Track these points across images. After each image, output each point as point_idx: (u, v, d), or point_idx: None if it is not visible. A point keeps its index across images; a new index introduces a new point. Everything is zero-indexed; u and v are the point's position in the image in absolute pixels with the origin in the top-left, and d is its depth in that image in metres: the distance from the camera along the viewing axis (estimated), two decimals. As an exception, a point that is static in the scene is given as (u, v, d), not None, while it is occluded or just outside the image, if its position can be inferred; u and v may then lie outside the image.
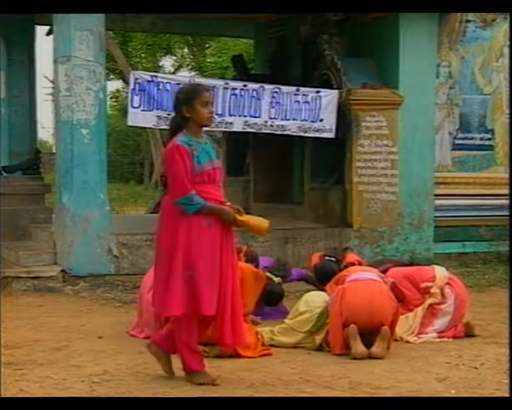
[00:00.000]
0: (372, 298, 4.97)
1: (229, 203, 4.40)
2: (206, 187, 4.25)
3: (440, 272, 5.64)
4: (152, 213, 11.81)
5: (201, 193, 4.22)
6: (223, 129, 9.02)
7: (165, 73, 20.75)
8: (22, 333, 5.52)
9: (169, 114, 7.86)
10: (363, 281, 5.21)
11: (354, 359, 4.88)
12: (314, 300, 5.38)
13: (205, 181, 4.25)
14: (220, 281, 4.24)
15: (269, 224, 4.45)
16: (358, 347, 4.89)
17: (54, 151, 14.16)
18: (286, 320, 5.41)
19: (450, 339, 5.43)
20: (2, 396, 3.99)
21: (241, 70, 11.22)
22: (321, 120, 8.56)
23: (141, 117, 7.79)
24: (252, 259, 6.15)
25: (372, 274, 5.35)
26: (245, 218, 4.38)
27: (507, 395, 3.86)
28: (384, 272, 5.67)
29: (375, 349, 4.91)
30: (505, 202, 8.56)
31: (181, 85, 4.65)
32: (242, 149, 11.12)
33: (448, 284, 5.55)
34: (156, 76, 8.06)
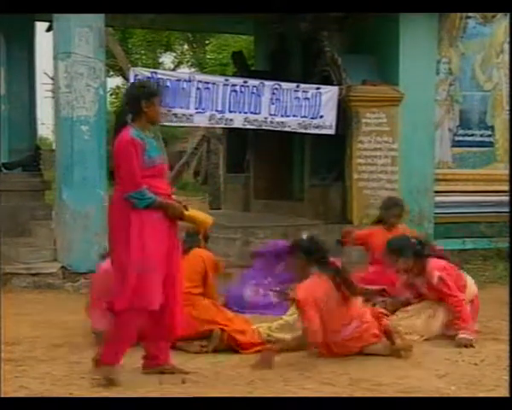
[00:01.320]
0: None
1: (175, 197, 4.43)
2: (155, 181, 4.25)
3: (471, 284, 5.64)
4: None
5: (151, 187, 4.22)
6: (223, 125, 9.03)
7: (165, 69, 20.72)
8: (22, 330, 5.52)
9: (169, 111, 7.88)
10: None
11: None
12: None
13: (155, 175, 4.26)
14: (169, 275, 4.27)
15: (212, 220, 4.57)
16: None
17: (54, 148, 14.16)
18: (284, 317, 5.41)
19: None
20: (3, 396, 3.99)
21: (242, 66, 11.22)
22: (321, 117, 8.55)
23: (141, 113, 7.78)
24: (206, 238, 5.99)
25: None
26: (191, 213, 4.43)
27: (507, 391, 3.86)
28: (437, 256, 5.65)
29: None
30: (505, 198, 8.55)
31: (136, 80, 4.73)
32: (242, 146, 11.12)
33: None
34: (156, 72, 8.06)
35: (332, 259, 4.89)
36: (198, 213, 4.58)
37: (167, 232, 4.28)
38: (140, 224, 4.17)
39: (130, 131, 4.24)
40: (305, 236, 4.92)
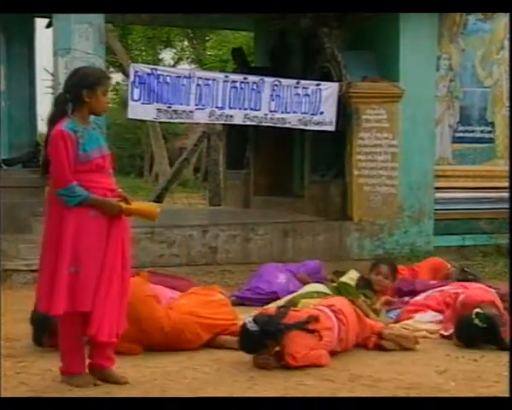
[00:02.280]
0: None
1: (120, 190, 4.16)
2: (93, 176, 4.00)
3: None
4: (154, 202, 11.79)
5: (89, 182, 3.97)
6: (223, 122, 9.03)
7: (165, 65, 20.71)
8: (22, 326, 5.50)
9: (169, 107, 7.88)
10: None
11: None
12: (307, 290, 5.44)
13: (92, 170, 4.00)
14: (104, 274, 4.00)
15: (158, 209, 4.28)
16: None
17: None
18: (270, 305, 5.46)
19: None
20: (3, 391, 3.99)
21: (242, 63, 11.21)
22: (321, 113, 8.55)
23: (141, 110, 7.79)
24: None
25: None
26: (133, 205, 4.17)
27: (506, 386, 3.87)
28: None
29: None
30: (505, 194, 8.55)
31: (83, 67, 4.40)
32: (242, 142, 11.12)
33: None
34: (156, 69, 8.06)
35: None
36: (142, 204, 4.37)
37: (106, 231, 4.02)
38: (74, 222, 3.95)
39: (64, 124, 3.95)
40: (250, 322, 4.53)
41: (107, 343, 4.09)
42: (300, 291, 5.88)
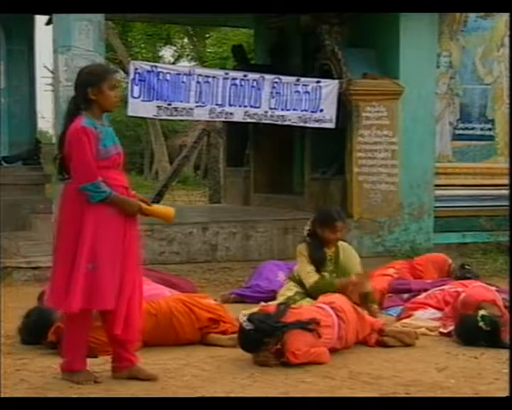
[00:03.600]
0: None
1: (133, 192, 4.20)
2: (111, 172, 4.04)
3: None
4: (152, 202, 11.79)
5: (107, 179, 4.00)
6: (223, 119, 9.03)
7: (165, 63, 20.70)
8: (23, 323, 5.52)
9: (169, 104, 7.87)
10: None
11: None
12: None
13: (110, 166, 4.03)
14: (122, 272, 4.03)
15: (174, 211, 4.33)
16: None
17: (54, 141, 14.15)
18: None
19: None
20: (3, 389, 4.00)
21: (242, 60, 11.20)
22: (321, 111, 8.55)
23: (141, 107, 7.78)
24: None
25: None
26: (151, 207, 4.24)
27: (506, 384, 3.87)
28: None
29: None
30: (505, 192, 8.55)
31: (87, 65, 4.39)
32: (242, 140, 11.11)
33: None
34: (156, 66, 8.05)
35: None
36: (159, 206, 4.44)
37: (123, 229, 4.05)
38: (93, 219, 3.96)
39: (83, 120, 3.98)
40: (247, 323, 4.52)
41: (133, 341, 4.16)
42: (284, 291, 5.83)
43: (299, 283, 5.73)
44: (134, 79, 7.70)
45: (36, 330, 4.85)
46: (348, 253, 5.88)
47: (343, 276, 5.69)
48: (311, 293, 5.58)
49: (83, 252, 3.94)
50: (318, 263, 5.70)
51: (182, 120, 21.63)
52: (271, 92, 8.31)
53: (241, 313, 5.33)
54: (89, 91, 4.03)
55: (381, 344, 4.98)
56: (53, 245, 4.16)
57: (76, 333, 4.10)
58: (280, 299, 5.61)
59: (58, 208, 4.14)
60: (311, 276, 5.65)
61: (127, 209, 4.06)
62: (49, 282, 4.23)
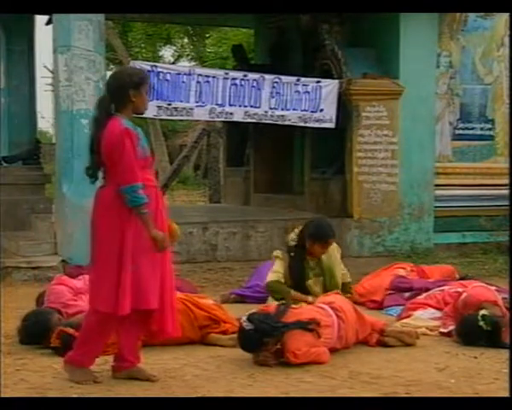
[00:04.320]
0: None
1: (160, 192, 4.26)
2: (146, 173, 4.09)
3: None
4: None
5: (143, 180, 4.04)
6: (223, 119, 9.03)
7: (165, 62, 20.69)
8: (23, 323, 5.52)
9: (169, 104, 7.87)
10: None
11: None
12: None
13: (145, 166, 4.09)
14: (164, 272, 4.09)
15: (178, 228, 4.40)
16: None
17: (54, 141, 14.15)
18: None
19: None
20: (3, 388, 4.00)
21: (242, 60, 11.20)
22: (321, 110, 8.55)
23: (141, 107, 7.77)
24: None
25: None
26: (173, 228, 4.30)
27: (506, 383, 3.87)
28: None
29: None
30: (505, 192, 8.55)
31: (124, 67, 4.36)
32: (242, 140, 11.11)
33: None
34: (156, 66, 8.05)
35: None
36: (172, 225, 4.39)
37: (160, 229, 4.07)
38: (132, 221, 3.98)
39: (122, 121, 4.00)
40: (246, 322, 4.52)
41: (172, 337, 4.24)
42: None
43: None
44: (134, 78, 7.69)
45: (34, 334, 4.85)
46: (330, 253, 5.85)
47: (330, 277, 5.77)
48: (270, 293, 5.75)
49: (127, 255, 3.97)
50: (298, 276, 5.72)
51: (182, 120, 21.61)
52: (271, 92, 8.31)
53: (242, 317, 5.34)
54: (130, 93, 4.06)
55: (381, 344, 4.98)
56: (92, 250, 4.13)
57: (103, 332, 4.12)
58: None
59: (93, 212, 4.11)
60: (271, 276, 5.76)
61: (152, 236, 3.98)
62: (92, 285, 4.19)
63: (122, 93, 4.06)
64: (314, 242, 5.69)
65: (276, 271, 5.77)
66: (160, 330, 4.19)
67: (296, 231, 5.87)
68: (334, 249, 5.94)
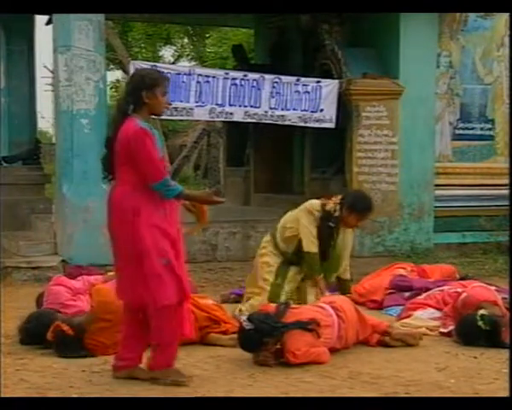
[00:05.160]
0: None
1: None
2: None
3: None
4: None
5: None
6: (223, 119, 9.02)
7: (165, 63, 20.68)
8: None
9: (169, 104, 7.86)
10: None
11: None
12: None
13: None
14: (185, 267, 4.18)
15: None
16: None
17: (54, 141, 14.15)
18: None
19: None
20: (3, 388, 4.00)
21: (242, 60, 11.20)
22: (321, 110, 8.55)
23: (141, 107, 7.77)
24: None
25: None
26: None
27: (506, 383, 3.87)
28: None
29: None
30: (505, 192, 8.55)
31: (141, 69, 4.35)
32: (242, 140, 11.11)
33: None
34: (156, 66, 8.04)
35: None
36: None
37: (178, 223, 4.18)
38: (148, 217, 4.01)
39: (138, 122, 4.03)
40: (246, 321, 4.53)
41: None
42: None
43: (275, 245, 5.72)
44: (134, 78, 7.69)
45: (36, 336, 4.85)
46: (346, 235, 5.77)
47: (335, 254, 5.67)
48: (305, 258, 5.58)
49: (150, 250, 3.98)
50: (324, 238, 5.61)
51: (182, 120, 21.60)
52: (271, 92, 8.32)
53: (236, 309, 5.36)
54: (143, 94, 4.07)
55: (382, 344, 4.98)
56: (112, 250, 4.17)
57: (177, 327, 4.09)
58: (265, 269, 5.67)
59: (109, 211, 4.15)
60: (315, 244, 5.58)
61: (205, 199, 4.26)
62: (121, 285, 4.18)
63: (136, 94, 4.08)
64: (351, 212, 5.58)
65: (314, 236, 5.58)
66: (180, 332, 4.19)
67: (334, 200, 5.70)
68: (351, 234, 5.83)
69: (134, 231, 4.01)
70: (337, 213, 5.61)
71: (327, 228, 5.62)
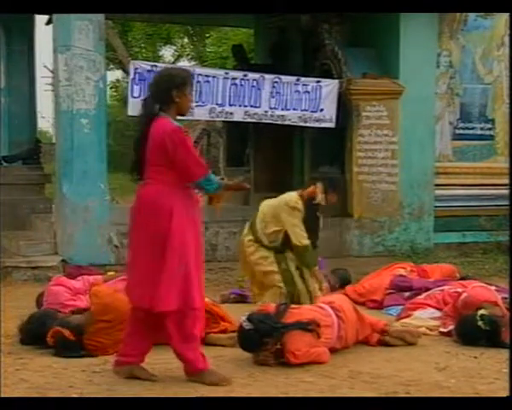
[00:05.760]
0: None
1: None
2: None
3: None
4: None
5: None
6: (223, 119, 9.02)
7: (165, 62, 20.68)
8: (23, 323, 5.52)
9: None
10: None
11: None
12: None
13: None
14: (201, 272, 4.15)
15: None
16: None
17: (54, 141, 14.15)
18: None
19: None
20: (3, 388, 4.00)
21: (242, 60, 11.20)
22: (321, 110, 8.55)
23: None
24: None
25: None
26: None
27: (506, 383, 3.87)
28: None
29: None
30: (505, 191, 8.55)
31: (167, 68, 4.39)
32: (242, 139, 11.10)
33: None
34: (156, 66, 8.04)
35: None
36: None
37: (198, 227, 4.14)
38: (177, 220, 3.97)
39: (170, 121, 4.03)
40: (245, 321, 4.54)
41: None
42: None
43: (260, 241, 5.76)
44: (134, 78, 7.70)
45: (37, 336, 4.85)
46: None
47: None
48: (297, 251, 5.66)
49: (173, 254, 3.96)
50: (312, 227, 5.78)
51: (182, 120, 21.58)
52: (271, 92, 8.32)
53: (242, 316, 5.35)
54: (173, 94, 4.04)
55: (382, 343, 4.98)
56: (132, 246, 4.15)
57: (189, 331, 4.07)
58: (264, 263, 5.71)
59: (139, 210, 4.10)
60: (304, 237, 5.68)
61: (239, 187, 4.39)
62: (135, 282, 4.14)
63: (165, 94, 4.05)
64: (333, 191, 6.00)
65: (302, 229, 5.68)
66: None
67: (313, 188, 5.92)
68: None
69: (165, 231, 3.97)
70: (318, 200, 5.86)
71: (314, 217, 5.85)
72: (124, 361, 4.20)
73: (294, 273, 5.74)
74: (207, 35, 23.27)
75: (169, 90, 4.05)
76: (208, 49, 23.48)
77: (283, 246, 5.77)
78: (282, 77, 8.41)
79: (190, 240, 4.04)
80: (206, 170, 4.06)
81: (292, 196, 5.81)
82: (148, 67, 7.81)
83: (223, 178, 4.40)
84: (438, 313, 5.54)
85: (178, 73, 4.20)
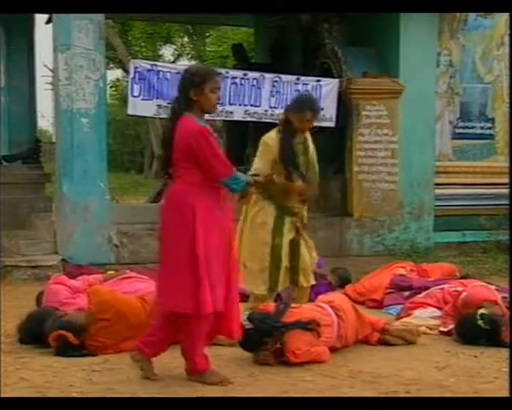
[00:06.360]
0: None
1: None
2: None
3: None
4: (152, 202, 11.81)
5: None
6: (223, 118, 9.01)
7: (165, 61, 20.68)
8: (23, 322, 5.52)
9: (169, 103, 7.86)
10: None
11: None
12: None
13: None
14: (230, 273, 4.13)
15: None
16: None
17: (54, 140, 14.15)
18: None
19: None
20: (3, 387, 4.00)
21: (242, 59, 11.20)
22: (321, 109, 8.53)
23: (141, 106, 7.78)
24: None
25: None
26: None
27: (506, 382, 3.87)
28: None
29: None
30: (505, 191, 8.55)
31: (191, 66, 4.42)
32: (243, 139, 11.10)
33: None
34: (156, 65, 8.04)
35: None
36: None
37: (227, 229, 4.14)
38: (204, 220, 3.98)
39: (195, 120, 4.05)
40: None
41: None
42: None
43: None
44: (134, 77, 7.70)
45: (36, 335, 4.85)
46: (311, 144, 5.75)
47: (311, 168, 5.65)
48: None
49: (200, 255, 3.95)
50: (290, 152, 5.57)
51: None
52: (271, 91, 8.32)
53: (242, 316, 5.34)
54: (191, 93, 4.05)
55: (382, 342, 4.98)
56: (160, 245, 4.18)
57: (203, 335, 4.12)
58: (263, 231, 5.51)
59: (163, 209, 4.13)
60: (255, 165, 5.50)
61: (267, 182, 4.62)
62: (167, 285, 4.12)
63: (184, 93, 4.08)
64: (294, 114, 5.61)
65: (258, 163, 5.51)
66: (229, 331, 4.23)
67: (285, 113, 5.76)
68: (311, 142, 5.80)
69: (188, 230, 3.97)
70: (290, 118, 5.64)
71: (289, 144, 5.61)
72: (141, 349, 4.21)
73: (283, 255, 5.47)
74: (207, 34, 23.29)
75: (187, 90, 4.06)
76: (208, 49, 23.51)
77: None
78: (282, 76, 8.41)
79: (213, 241, 4.01)
80: (231, 169, 4.07)
81: (269, 133, 5.75)
82: (148, 66, 7.81)
83: (255, 175, 4.41)
84: (438, 312, 5.54)
85: (197, 71, 4.17)
